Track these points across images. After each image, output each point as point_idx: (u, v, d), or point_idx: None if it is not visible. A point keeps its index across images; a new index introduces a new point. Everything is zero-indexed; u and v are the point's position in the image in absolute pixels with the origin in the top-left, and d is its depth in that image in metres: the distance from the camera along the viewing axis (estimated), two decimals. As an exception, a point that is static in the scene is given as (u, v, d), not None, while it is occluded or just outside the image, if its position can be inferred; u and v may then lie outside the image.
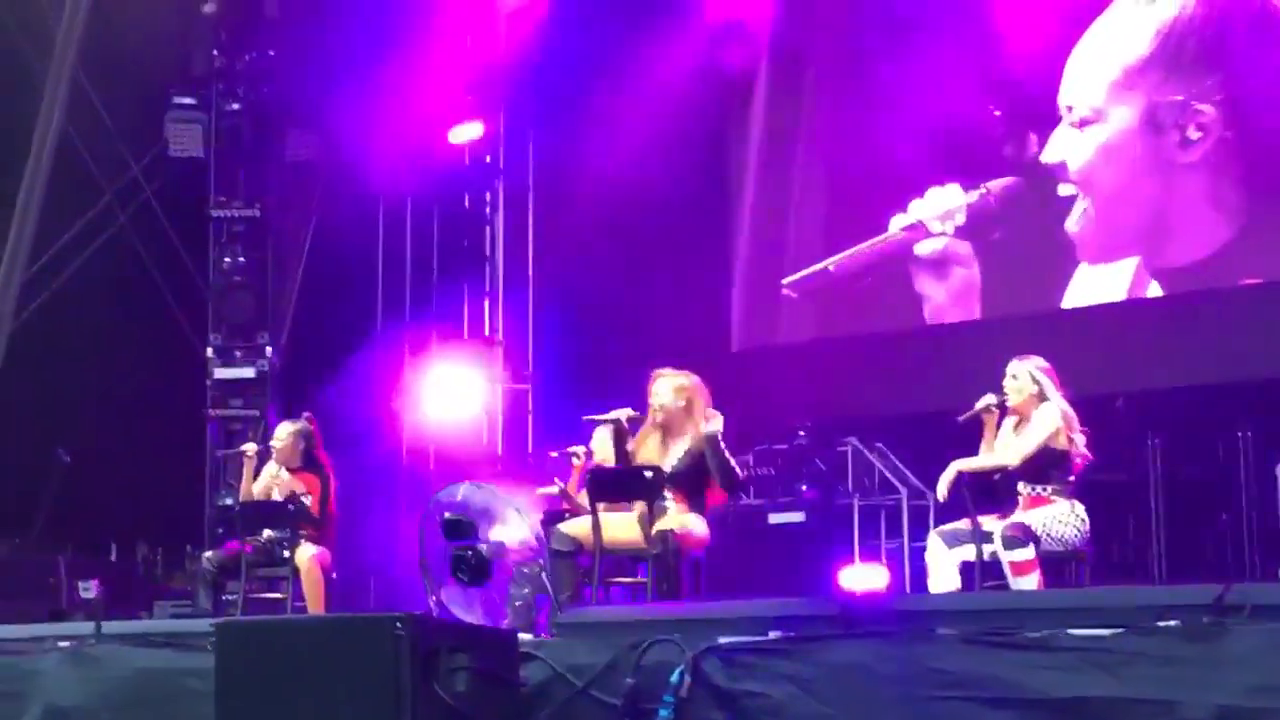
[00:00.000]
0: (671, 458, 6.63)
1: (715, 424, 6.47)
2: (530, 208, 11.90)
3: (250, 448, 8.19)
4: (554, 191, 11.61)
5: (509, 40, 11.59)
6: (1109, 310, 9.55)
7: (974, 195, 10.11)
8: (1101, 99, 9.64)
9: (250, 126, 11.66)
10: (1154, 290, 9.47)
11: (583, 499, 7.08)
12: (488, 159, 12.04)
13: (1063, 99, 9.73)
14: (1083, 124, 9.64)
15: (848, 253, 10.52)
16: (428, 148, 11.82)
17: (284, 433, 8.00)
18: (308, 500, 7.85)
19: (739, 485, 6.67)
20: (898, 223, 10.33)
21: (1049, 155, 9.81)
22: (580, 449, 7.45)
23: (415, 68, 11.27)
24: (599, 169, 10.77)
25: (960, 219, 10.15)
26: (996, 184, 10.02)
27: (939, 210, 10.21)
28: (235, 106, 11.60)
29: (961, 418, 6.61)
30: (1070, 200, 9.75)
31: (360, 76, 11.33)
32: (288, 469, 7.96)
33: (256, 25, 11.83)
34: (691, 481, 6.57)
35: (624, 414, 6.72)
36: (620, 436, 6.61)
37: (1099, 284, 9.64)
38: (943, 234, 10.22)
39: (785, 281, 10.68)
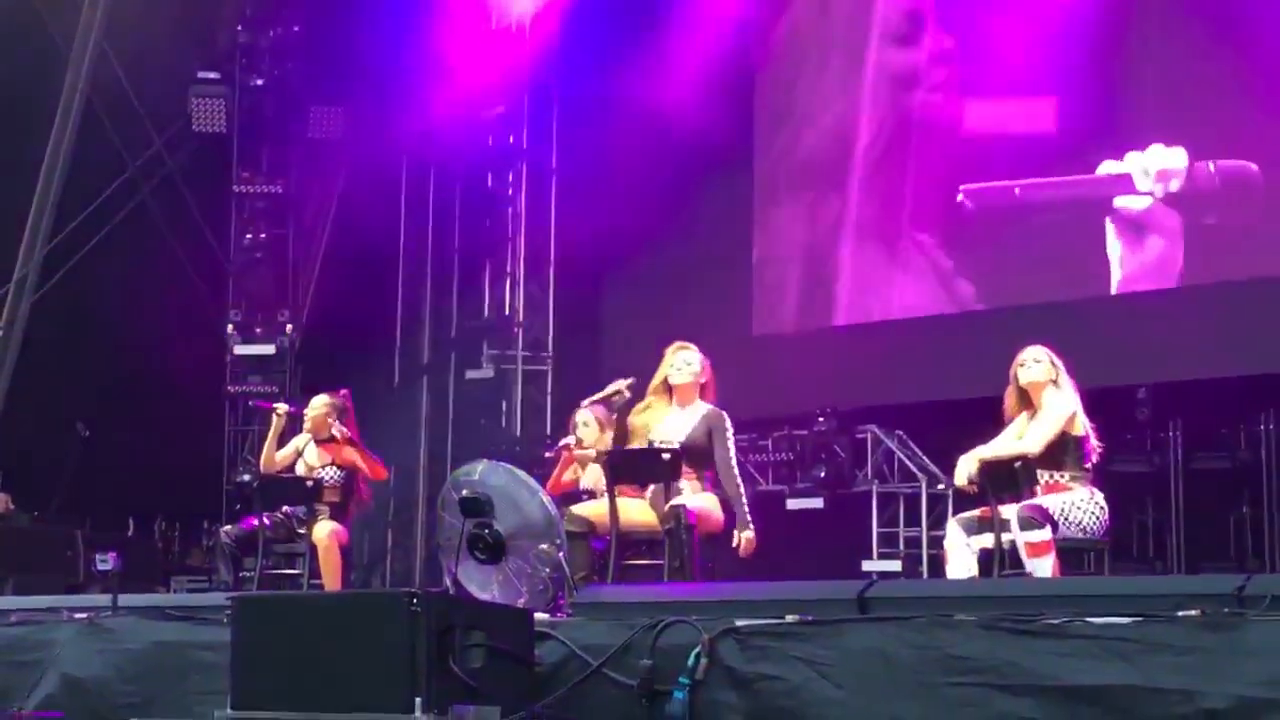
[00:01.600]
0: (685, 427, 6.62)
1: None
2: (553, 188, 11.89)
3: (281, 407, 8.17)
4: (576, 172, 11.59)
5: (534, 20, 11.57)
6: (1130, 299, 9.48)
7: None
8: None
9: (274, 103, 11.67)
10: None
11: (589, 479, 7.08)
12: (511, 139, 12.03)
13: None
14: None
15: (1039, 180, 9.86)
16: (451, 127, 11.82)
17: (319, 403, 8.01)
18: (331, 472, 7.83)
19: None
20: (1106, 169, 9.65)
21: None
22: (570, 439, 7.44)
23: (439, 47, 11.26)
24: (622, 150, 10.74)
25: (1175, 185, 9.38)
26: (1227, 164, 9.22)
27: (1156, 168, 9.43)
28: (259, 82, 11.60)
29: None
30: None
31: (384, 54, 11.32)
32: (316, 440, 7.96)
33: (282, 1, 11.84)
34: (703, 455, 6.56)
35: (623, 384, 6.74)
36: (622, 413, 6.62)
37: None
38: (1150, 194, 9.52)
39: (963, 188, 10.26)
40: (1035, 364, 6.46)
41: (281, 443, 8.10)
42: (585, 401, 7.23)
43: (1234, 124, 9.10)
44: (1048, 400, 6.39)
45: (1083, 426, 6.36)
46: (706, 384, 6.76)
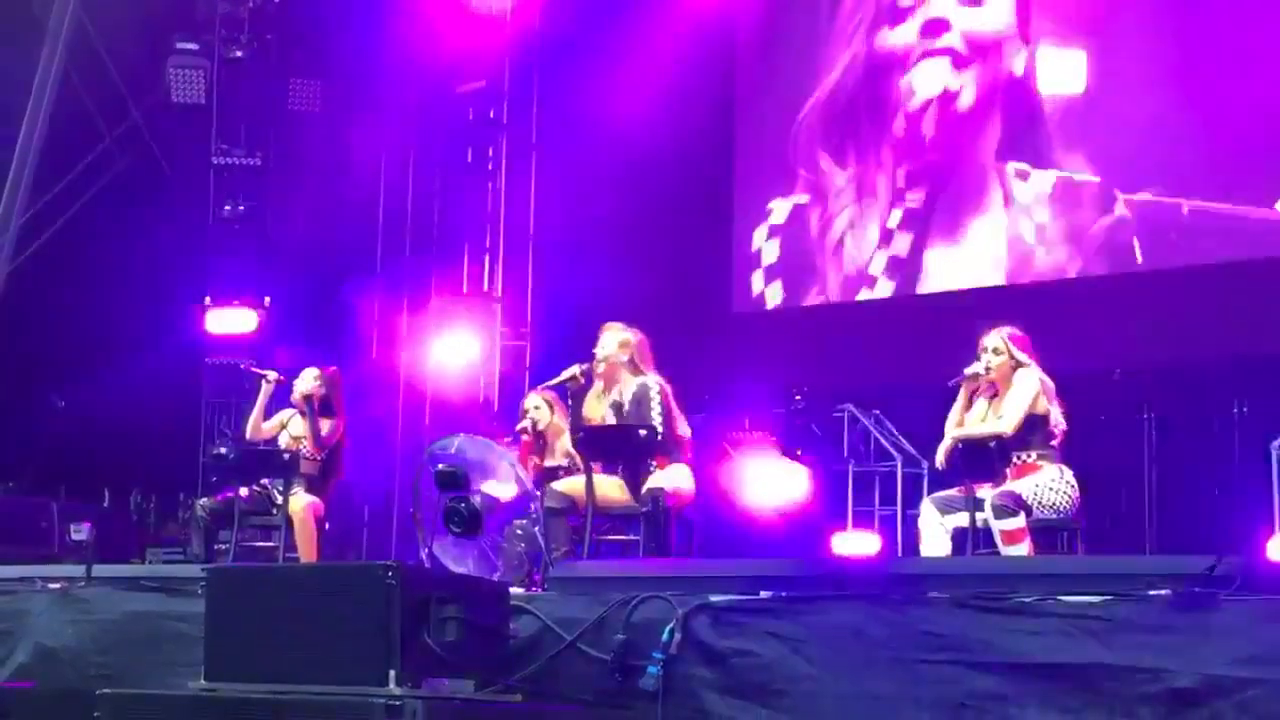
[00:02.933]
0: (611, 410, 6.68)
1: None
2: (533, 164, 11.86)
3: (271, 374, 8.15)
4: (557, 148, 11.56)
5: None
6: (1104, 282, 9.52)
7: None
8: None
9: (253, 75, 11.60)
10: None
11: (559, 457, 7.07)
12: (491, 114, 11.99)
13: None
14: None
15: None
16: (431, 102, 11.77)
17: (310, 376, 8.01)
18: (306, 450, 7.84)
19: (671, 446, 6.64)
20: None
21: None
22: (527, 423, 7.40)
23: (420, 21, 11.21)
24: (603, 126, 10.73)
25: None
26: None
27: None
28: (239, 54, 11.53)
29: (950, 382, 6.60)
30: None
31: (365, 28, 11.27)
32: (302, 412, 7.96)
33: (262, -28, 11.76)
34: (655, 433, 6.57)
35: (575, 370, 6.73)
36: (576, 397, 6.61)
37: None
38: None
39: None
40: (994, 355, 6.49)
41: (269, 414, 8.10)
42: (540, 386, 7.24)
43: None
44: (1015, 379, 6.44)
45: (1045, 405, 6.40)
46: (639, 359, 6.76)
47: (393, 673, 4.11)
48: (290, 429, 7.95)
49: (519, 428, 7.39)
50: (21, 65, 9.95)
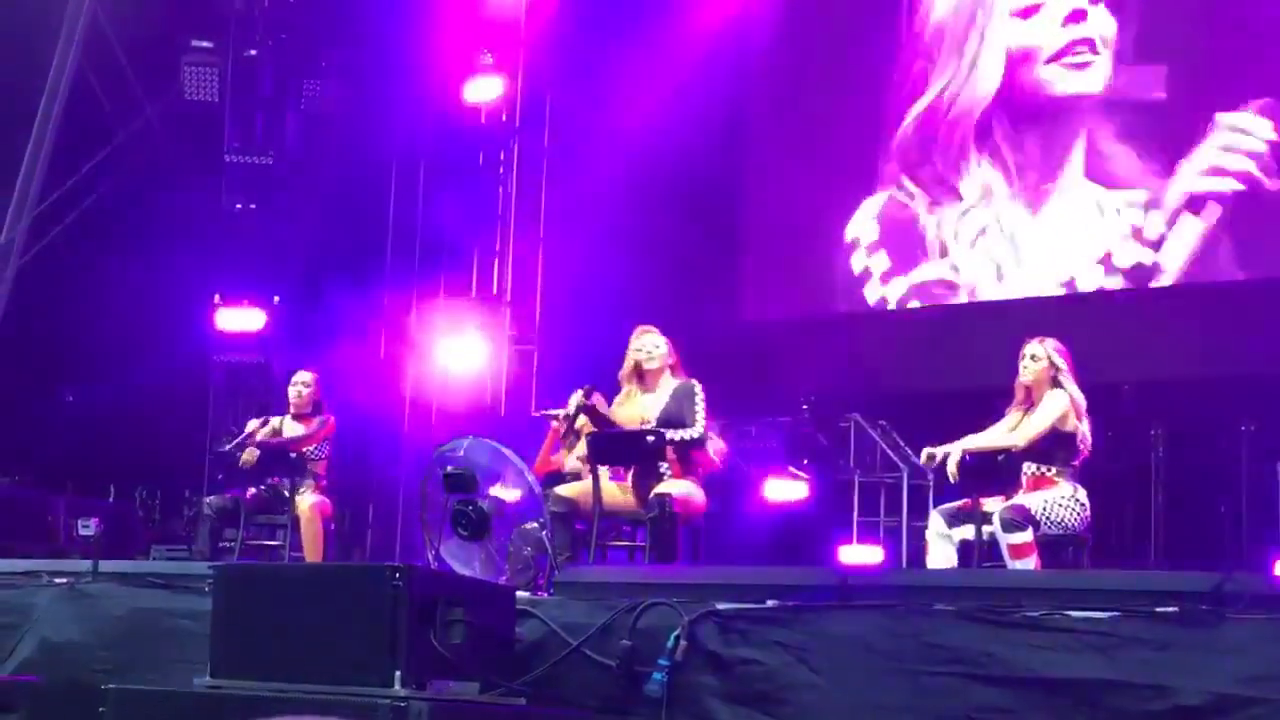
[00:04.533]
0: (657, 407, 6.67)
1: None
2: (544, 169, 11.86)
3: (247, 457, 8.03)
4: (568, 153, 11.57)
5: (530, 2, 11.53)
6: (1116, 297, 9.51)
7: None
8: None
9: (267, 73, 11.61)
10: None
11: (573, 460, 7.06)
12: (504, 118, 12.00)
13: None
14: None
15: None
16: (445, 104, 11.78)
17: (305, 380, 8.04)
18: (312, 446, 7.88)
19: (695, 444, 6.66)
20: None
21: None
22: (559, 411, 7.38)
23: (435, 23, 11.22)
24: (615, 132, 10.73)
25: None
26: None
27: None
28: (253, 53, 11.54)
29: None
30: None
31: (379, 29, 11.28)
32: (296, 416, 7.99)
33: (278, -29, 11.78)
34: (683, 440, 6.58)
35: (576, 400, 6.67)
36: (595, 416, 6.60)
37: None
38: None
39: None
40: (1032, 362, 6.53)
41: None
42: (538, 411, 7.19)
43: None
44: (1045, 398, 6.45)
45: (1075, 424, 6.41)
46: (675, 363, 6.80)
47: (398, 674, 4.12)
48: (285, 433, 7.96)
49: (552, 413, 7.29)
50: (37, 64, 10.01)
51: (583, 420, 7.05)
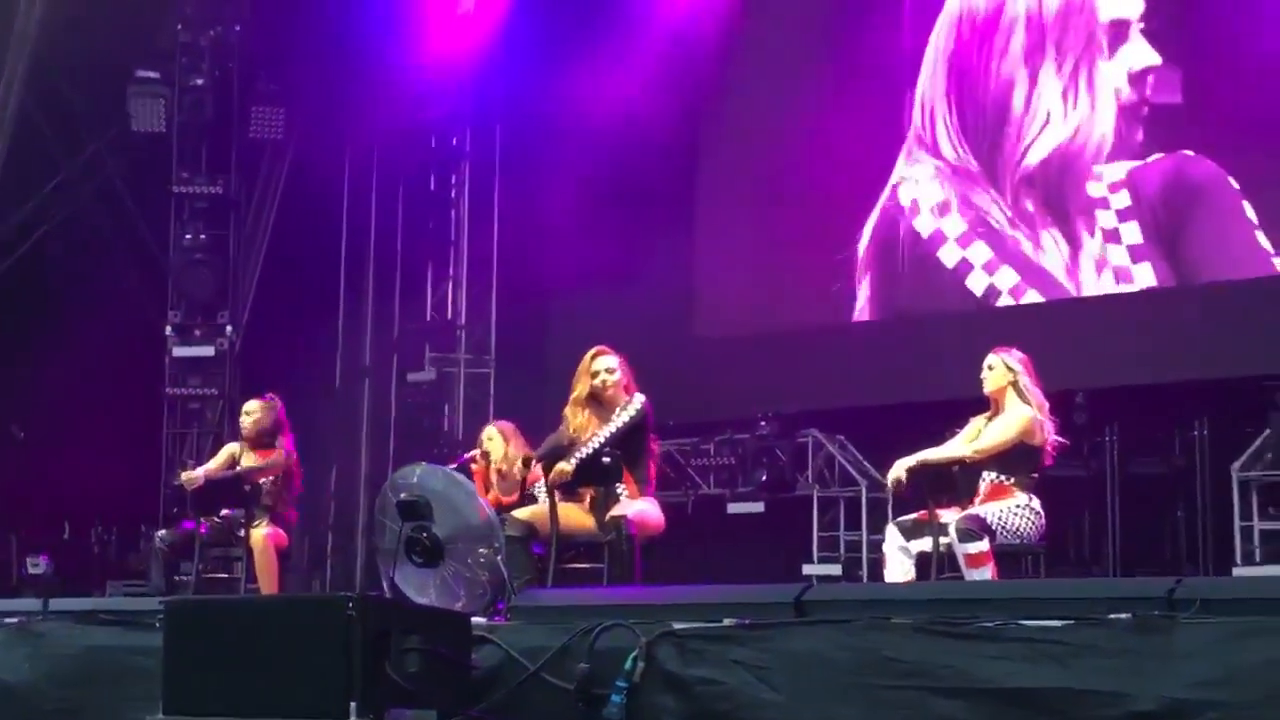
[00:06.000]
0: (606, 432, 6.65)
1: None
2: (496, 191, 11.86)
3: (190, 477, 7.95)
4: (519, 175, 11.57)
5: (476, 24, 11.53)
6: (1072, 305, 9.57)
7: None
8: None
9: (214, 102, 11.56)
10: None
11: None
12: (454, 141, 11.99)
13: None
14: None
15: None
16: (394, 129, 11.77)
17: (253, 409, 7.96)
18: (267, 480, 7.81)
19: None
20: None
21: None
22: (475, 452, 7.55)
23: (382, 49, 11.21)
24: (565, 153, 10.73)
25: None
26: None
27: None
28: (199, 82, 11.49)
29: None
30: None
31: (326, 54, 11.26)
32: (251, 446, 7.92)
33: (223, 0, 11.74)
34: (631, 458, 6.57)
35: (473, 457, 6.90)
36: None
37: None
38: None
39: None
40: (988, 371, 6.57)
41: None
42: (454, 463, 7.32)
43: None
44: (1010, 412, 6.49)
45: (1041, 438, 6.46)
46: (628, 383, 6.78)
47: (354, 705, 4.08)
48: (243, 462, 7.90)
49: (468, 456, 7.43)
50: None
51: (501, 453, 7.20)
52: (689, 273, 11.05)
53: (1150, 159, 9.26)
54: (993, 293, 9.79)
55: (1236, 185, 8.88)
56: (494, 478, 7.47)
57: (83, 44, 10.51)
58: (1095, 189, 9.46)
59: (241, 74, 11.67)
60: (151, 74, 11.45)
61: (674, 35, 10.74)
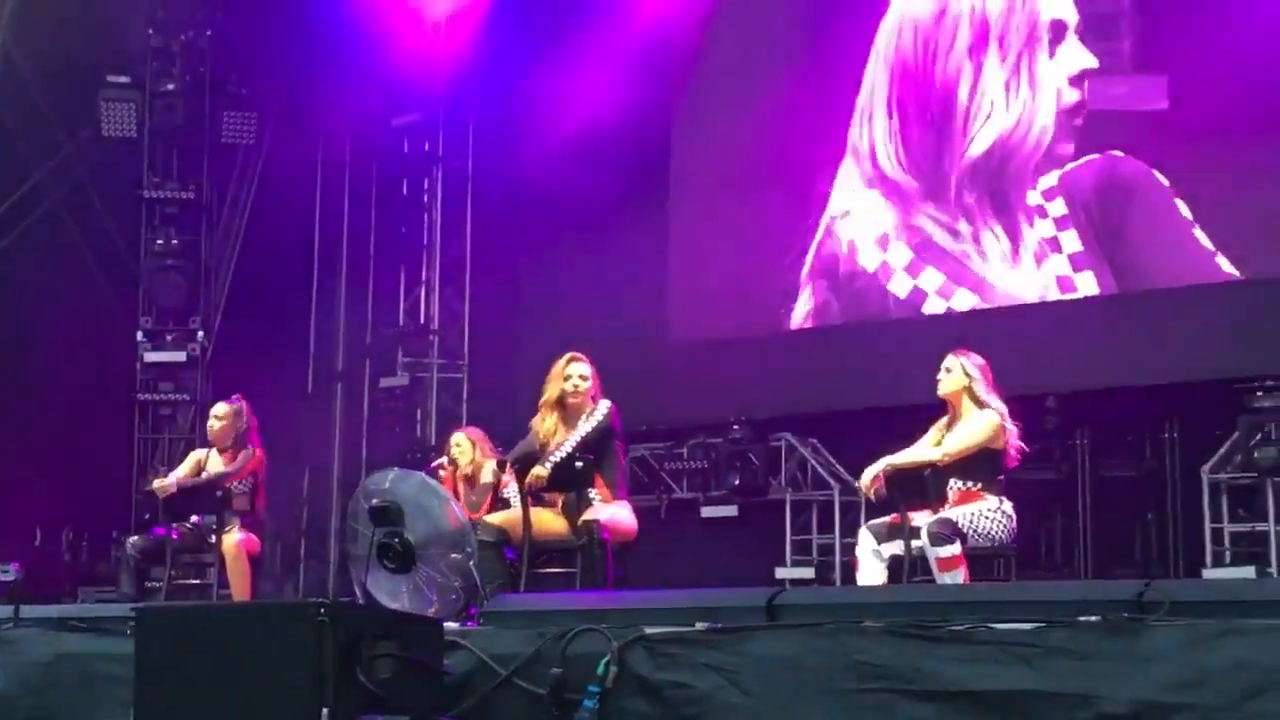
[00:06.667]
0: (581, 434, 6.67)
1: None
2: (469, 196, 11.86)
3: (162, 485, 7.92)
4: (492, 180, 11.57)
5: (448, 29, 11.53)
6: (1040, 309, 9.60)
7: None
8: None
9: (186, 107, 11.53)
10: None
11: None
12: (427, 146, 11.98)
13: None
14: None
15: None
16: (366, 134, 11.75)
17: (221, 412, 7.94)
18: (238, 481, 7.78)
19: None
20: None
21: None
22: (443, 460, 7.65)
23: (354, 54, 11.19)
24: (538, 158, 10.74)
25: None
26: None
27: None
28: (170, 86, 11.46)
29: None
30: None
31: (298, 59, 11.24)
32: (219, 450, 7.90)
33: (194, 4, 11.71)
34: (601, 462, 6.58)
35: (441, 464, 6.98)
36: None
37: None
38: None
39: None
40: (946, 374, 6.59)
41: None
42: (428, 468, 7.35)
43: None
44: (969, 412, 6.50)
45: (1004, 441, 6.48)
46: (596, 391, 6.80)
47: (325, 711, 4.07)
48: (210, 468, 7.88)
49: (435, 464, 7.44)
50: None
51: (469, 459, 7.24)
52: (662, 278, 11.05)
53: (1082, 160, 9.31)
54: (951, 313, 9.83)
55: (1166, 183, 8.91)
56: (461, 486, 7.48)
57: (54, 48, 10.48)
58: (1033, 198, 9.51)
59: (213, 79, 11.64)
60: (122, 78, 11.42)
61: (646, 42, 10.74)
